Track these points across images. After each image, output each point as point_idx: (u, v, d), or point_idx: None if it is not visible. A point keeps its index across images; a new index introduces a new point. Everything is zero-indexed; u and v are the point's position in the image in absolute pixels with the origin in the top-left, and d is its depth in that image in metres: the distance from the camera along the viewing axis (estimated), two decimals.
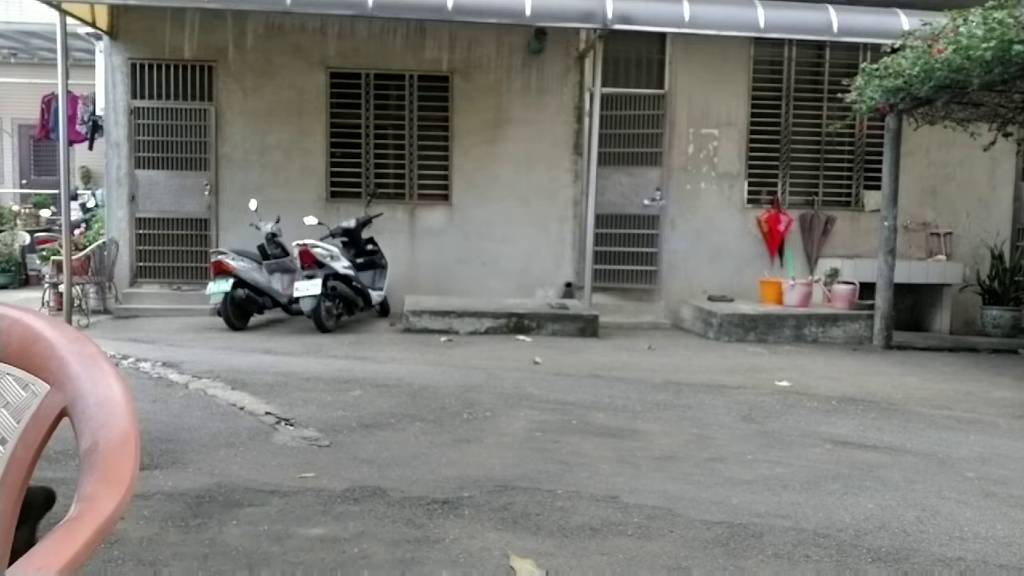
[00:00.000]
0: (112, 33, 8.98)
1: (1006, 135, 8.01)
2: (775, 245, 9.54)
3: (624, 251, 9.49)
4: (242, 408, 4.78)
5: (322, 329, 7.81)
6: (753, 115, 9.49)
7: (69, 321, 7.59)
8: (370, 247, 8.78)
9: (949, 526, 3.21)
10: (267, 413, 4.65)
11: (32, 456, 1.27)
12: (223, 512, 3.13)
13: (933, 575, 2.74)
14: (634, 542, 2.95)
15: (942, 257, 9.45)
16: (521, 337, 7.90)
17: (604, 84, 8.56)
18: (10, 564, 1.10)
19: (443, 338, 7.72)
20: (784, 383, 6.10)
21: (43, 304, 8.42)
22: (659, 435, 4.52)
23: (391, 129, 9.38)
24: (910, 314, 9.30)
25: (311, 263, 7.84)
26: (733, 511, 3.29)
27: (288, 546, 2.83)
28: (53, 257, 8.66)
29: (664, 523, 3.14)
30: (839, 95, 8.27)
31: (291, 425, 4.43)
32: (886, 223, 8.07)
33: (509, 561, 2.70)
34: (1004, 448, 4.50)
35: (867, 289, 8.51)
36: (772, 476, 3.83)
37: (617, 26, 7.85)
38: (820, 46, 9.36)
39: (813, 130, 9.54)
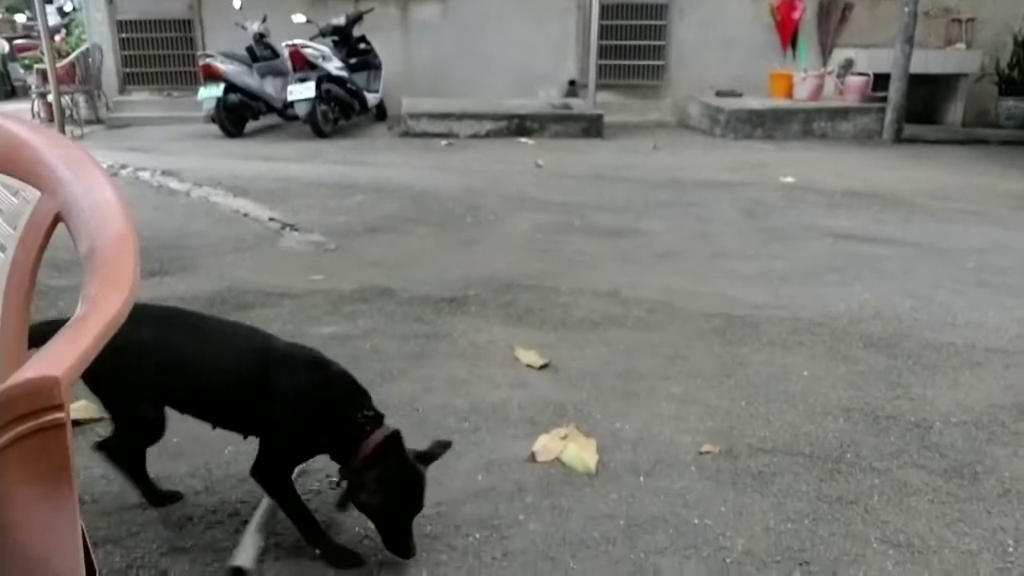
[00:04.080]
0: None
1: None
2: (788, 34, 9.08)
3: (630, 44, 9.05)
4: (246, 214, 4.79)
5: (319, 134, 7.66)
6: None
7: (62, 132, 7.43)
8: (362, 46, 8.38)
9: (942, 314, 3.30)
10: (271, 219, 4.66)
11: (33, 262, 1.27)
12: (236, 313, 3.21)
13: (922, 358, 2.85)
14: (634, 333, 3.05)
15: (961, 45, 9.02)
16: (523, 139, 7.75)
17: None
18: None
19: (443, 142, 7.58)
20: (789, 179, 6.05)
21: (33, 115, 8.21)
22: (661, 233, 4.55)
23: None
24: (923, 105, 9.02)
25: (303, 65, 7.53)
26: (732, 303, 3.38)
27: None
28: (36, 66, 8.33)
29: (663, 316, 3.23)
30: None
31: (296, 230, 4.45)
32: (906, 8, 7.62)
33: (514, 352, 2.80)
34: (1005, 239, 4.53)
35: (881, 81, 8.20)
36: (772, 270, 3.89)
37: None
38: None
39: None
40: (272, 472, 1.65)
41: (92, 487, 1.94)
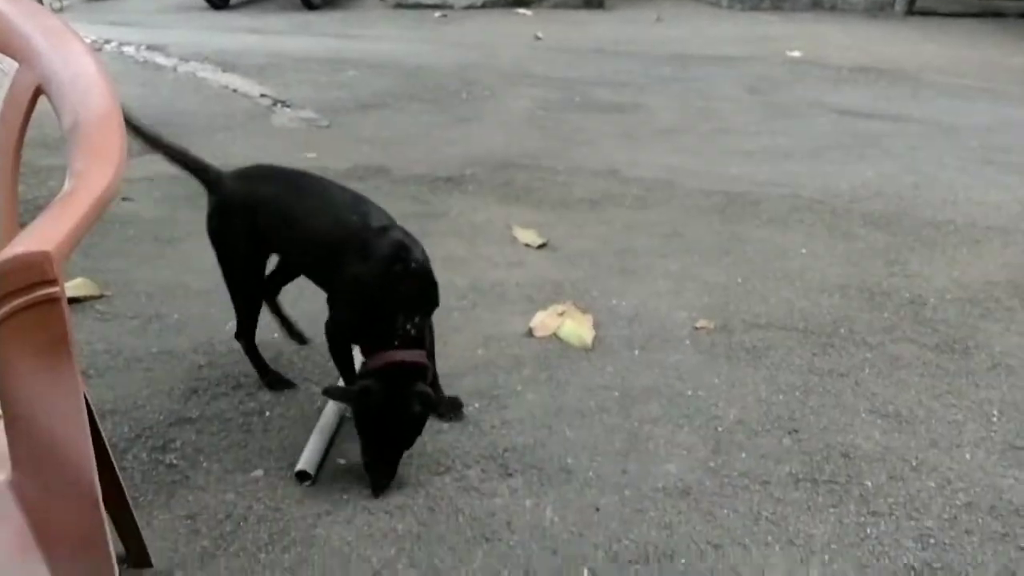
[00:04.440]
0: None
1: None
2: None
3: None
4: (235, 90, 4.65)
5: (308, 5, 7.35)
6: None
7: (39, 2, 7.12)
8: None
9: (944, 192, 3.27)
10: (262, 95, 4.53)
11: (16, 137, 1.23)
12: None
13: (921, 236, 2.84)
14: (632, 212, 3.03)
15: None
16: (521, 10, 7.45)
17: None
18: None
19: (437, 13, 7.29)
20: (795, 53, 5.86)
21: None
22: (662, 109, 4.44)
23: None
24: None
25: None
26: (732, 181, 3.33)
27: None
28: None
29: (662, 194, 3.20)
30: None
31: (288, 106, 4.34)
32: None
33: (512, 231, 2.79)
34: (1013, 116, 4.44)
35: None
36: (774, 147, 3.82)
37: None
38: None
39: None
40: (332, 331, 1.71)
41: (96, 361, 1.97)
